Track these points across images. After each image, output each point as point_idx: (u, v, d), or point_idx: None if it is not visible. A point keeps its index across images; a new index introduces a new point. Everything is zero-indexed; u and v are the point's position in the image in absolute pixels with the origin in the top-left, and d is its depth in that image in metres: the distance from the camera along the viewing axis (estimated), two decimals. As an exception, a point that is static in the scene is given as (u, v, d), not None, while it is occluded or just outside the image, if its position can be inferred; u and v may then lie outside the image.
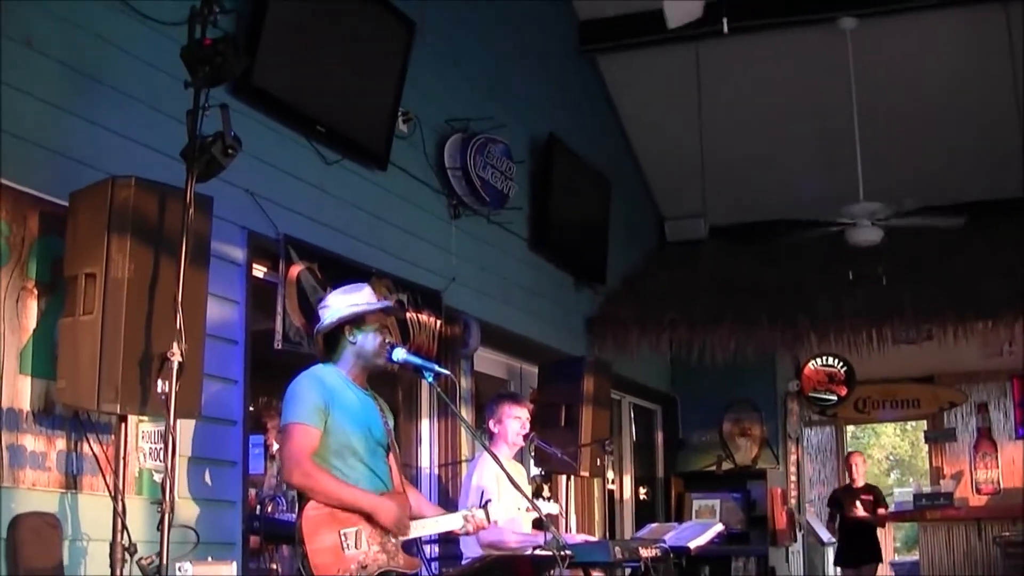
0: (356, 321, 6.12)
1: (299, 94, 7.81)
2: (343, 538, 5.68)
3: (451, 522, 6.26)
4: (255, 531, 7.21)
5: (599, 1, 13.11)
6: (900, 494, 20.74)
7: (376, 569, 5.76)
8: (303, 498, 5.80)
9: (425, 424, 9.56)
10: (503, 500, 7.31)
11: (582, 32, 13.68)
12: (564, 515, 10.77)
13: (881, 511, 14.30)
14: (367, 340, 6.12)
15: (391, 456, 6.19)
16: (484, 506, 6.27)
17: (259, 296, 7.49)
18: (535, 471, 10.63)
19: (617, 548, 7.61)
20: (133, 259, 5.26)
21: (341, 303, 6.16)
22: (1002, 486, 17.25)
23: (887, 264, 12.65)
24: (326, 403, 5.86)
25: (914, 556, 21.93)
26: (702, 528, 9.59)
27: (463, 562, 7.72)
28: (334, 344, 6.18)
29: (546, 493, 10.97)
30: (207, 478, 6.71)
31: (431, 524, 6.23)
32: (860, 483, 14.46)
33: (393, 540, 5.88)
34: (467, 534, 6.50)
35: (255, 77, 7.24)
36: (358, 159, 8.62)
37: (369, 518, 5.80)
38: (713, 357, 13.31)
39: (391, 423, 6.31)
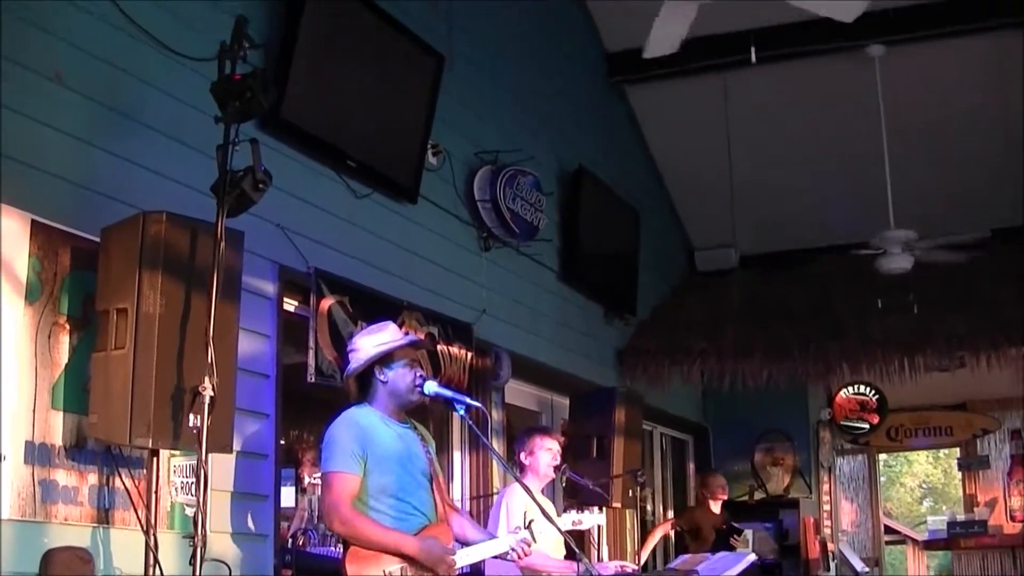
0: (384, 359, 6.11)
1: (328, 128, 7.83)
2: None
3: (497, 547, 6.23)
4: (287, 565, 7.22)
5: (627, 32, 13.12)
6: (933, 522, 20.70)
7: None
8: (343, 540, 5.79)
9: (457, 457, 9.56)
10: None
11: (610, 63, 13.71)
12: (596, 547, 10.74)
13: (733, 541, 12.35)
14: (398, 377, 6.09)
15: (436, 484, 6.17)
16: (528, 526, 6.25)
17: (290, 330, 7.50)
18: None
19: (650, 579, 7.59)
20: (164, 294, 5.27)
21: (368, 344, 6.14)
22: (1036, 513, 17.17)
23: (918, 291, 12.61)
24: (362, 447, 5.82)
25: (949, 585, 21.84)
26: (735, 559, 9.56)
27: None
28: (366, 385, 6.15)
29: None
30: (240, 512, 6.71)
31: (479, 550, 6.20)
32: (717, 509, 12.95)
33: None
34: (511, 561, 6.46)
35: (284, 111, 7.27)
36: (388, 192, 8.64)
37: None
38: (744, 387, 13.28)
39: (432, 451, 6.30)
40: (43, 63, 5.66)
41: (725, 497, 12.74)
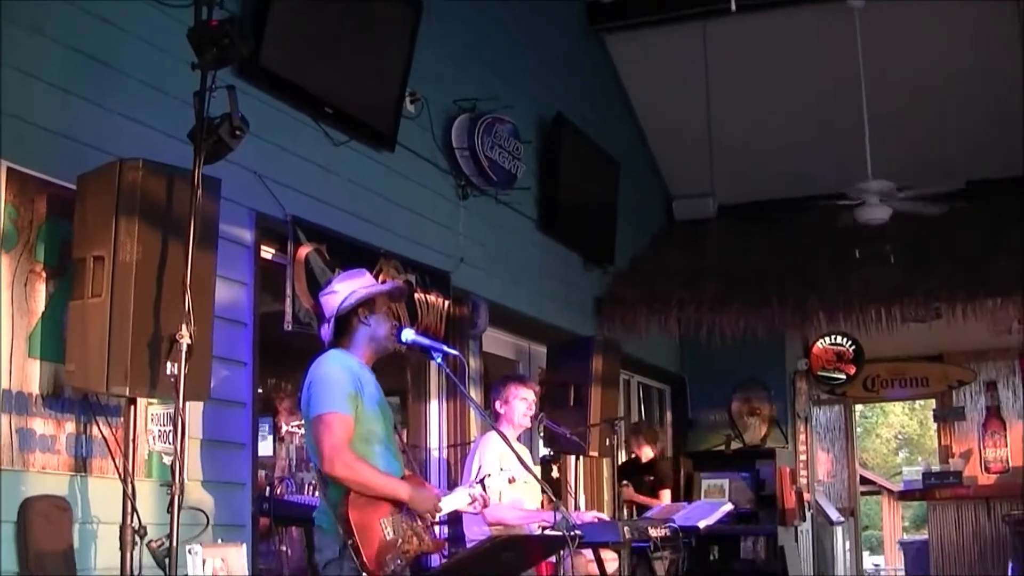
0: (367, 304, 6.09)
1: (306, 75, 7.79)
2: (383, 526, 5.67)
3: (458, 500, 6.27)
4: (265, 513, 7.22)
5: (607, -20, 13.11)
6: (909, 473, 20.78)
7: (414, 551, 5.77)
8: (332, 486, 5.76)
9: (434, 405, 9.56)
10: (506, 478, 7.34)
11: (590, 11, 13.66)
12: (573, 494, 10.77)
13: (662, 492, 12.41)
14: (379, 324, 6.09)
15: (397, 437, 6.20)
16: (481, 481, 6.29)
17: (267, 278, 7.49)
18: (544, 451, 10.64)
19: (627, 528, 7.63)
20: (141, 241, 5.26)
21: (352, 286, 6.11)
22: (1011, 464, 17.23)
23: (895, 243, 12.63)
24: (356, 388, 5.82)
25: (923, 535, 21.98)
26: (711, 508, 9.60)
27: (467, 543, 7.73)
28: (344, 330, 6.12)
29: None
30: (217, 461, 6.71)
31: (452, 500, 6.24)
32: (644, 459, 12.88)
33: (419, 523, 5.86)
34: (475, 512, 6.52)
35: (262, 58, 7.23)
36: (366, 140, 8.61)
37: (398, 504, 5.78)
38: (722, 337, 13.31)
39: None
40: (21, 12, 5.61)
41: (640, 449, 12.68)
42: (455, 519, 7.88)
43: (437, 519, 6.01)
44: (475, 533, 7.72)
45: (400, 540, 5.70)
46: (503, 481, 6.81)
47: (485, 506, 6.34)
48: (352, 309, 6.06)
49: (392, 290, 6.36)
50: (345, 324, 6.10)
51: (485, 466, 7.63)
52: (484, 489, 6.26)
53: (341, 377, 5.83)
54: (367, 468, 5.72)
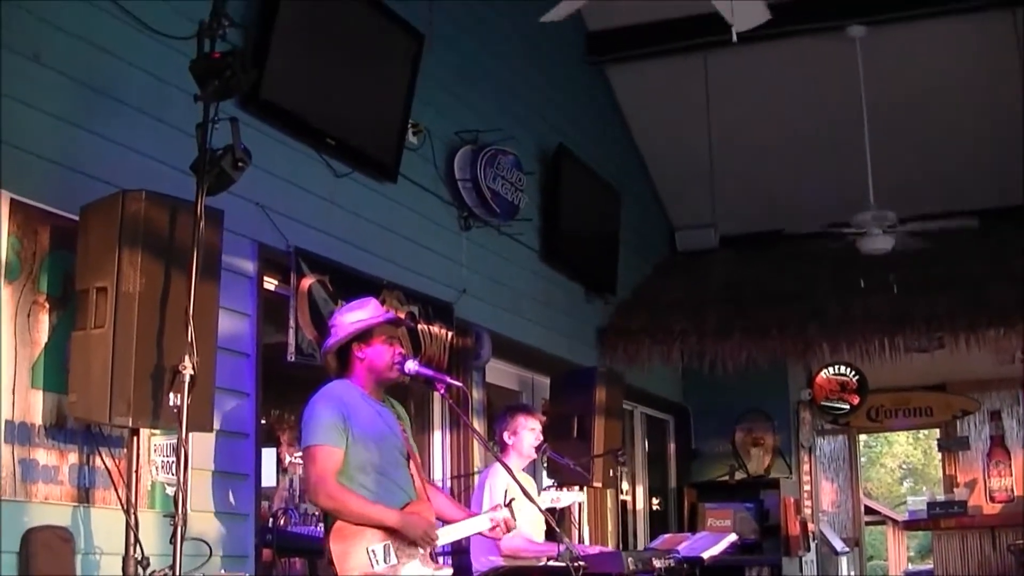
0: (363, 336, 6.13)
1: (308, 107, 7.81)
2: (372, 555, 5.69)
3: (477, 524, 6.27)
4: (268, 544, 7.20)
5: (607, 11, 13.09)
6: (914, 503, 20.71)
7: None
8: (329, 518, 5.81)
9: (437, 436, 9.56)
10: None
11: (590, 43, 13.68)
12: (577, 526, 10.76)
13: None
14: (376, 354, 6.12)
15: (412, 463, 6.20)
16: (509, 504, 6.28)
17: (270, 309, 7.49)
18: (548, 483, 10.62)
19: (630, 559, 7.61)
20: (144, 272, 5.27)
21: (347, 320, 6.18)
22: (1016, 494, 17.21)
23: (898, 272, 12.63)
24: (345, 421, 5.87)
25: (928, 565, 21.93)
26: (715, 538, 9.58)
27: (475, 573, 7.72)
28: (346, 361, 6.19)
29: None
30: (220, 491, 6.71)
31: (459, 528, 6.25)
32: None
33: (422, 550, 5.87)
34: (495, 538, 6.50)
35: (264, 90, 7.24)
36: (368, 171, 8.62)
37: (397, 532, 5.81)
38: (725, 367, 13.30)
39: (408, 429, 6.33)
40: (22, 43, 5.63)
41: None
42: (461, 549, 7.86)
43: (436, 546, 5.99)
44: (482, 564, 7.69)
45: (393, 569, 5.72)
46: (528, 521, 6.79)
47: (508, 530, 6.33)
48: (348, 342, 6.12)
49: (388, 321, 6.38)
50: (345, 357, 6.17)
51: (498, 497, 7.59)
52: (512, 513, 6.26)
53: (328, 410, 5.92)
54: (352, 497, 5.79)
